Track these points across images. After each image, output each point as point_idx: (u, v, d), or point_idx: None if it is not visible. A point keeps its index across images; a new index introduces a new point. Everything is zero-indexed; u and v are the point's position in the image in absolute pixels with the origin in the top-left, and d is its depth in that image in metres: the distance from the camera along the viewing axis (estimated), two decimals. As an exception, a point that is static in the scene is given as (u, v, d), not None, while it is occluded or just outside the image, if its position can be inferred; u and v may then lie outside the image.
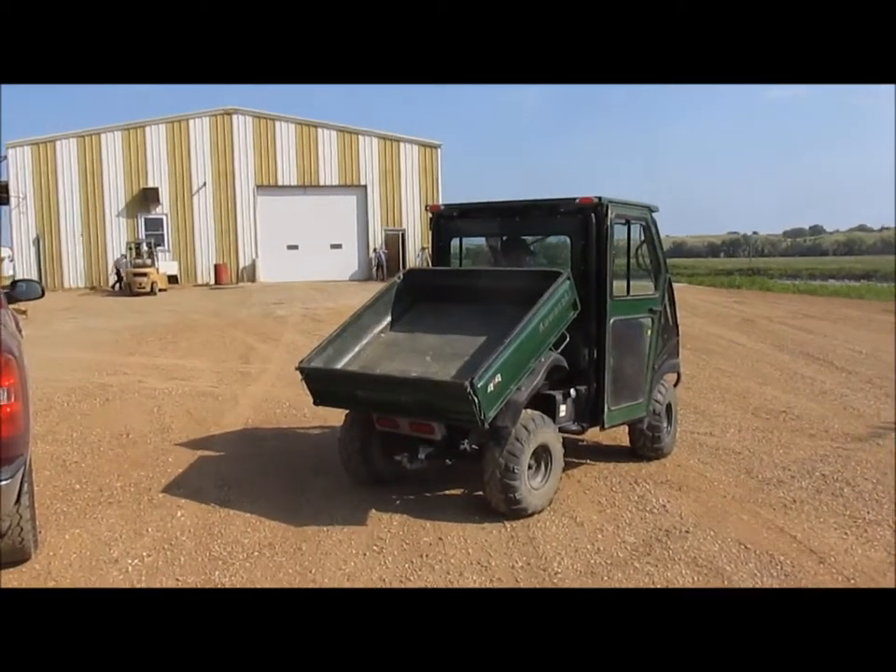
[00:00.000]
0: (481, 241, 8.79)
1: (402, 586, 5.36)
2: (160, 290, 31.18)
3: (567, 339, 6.79)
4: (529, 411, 6.60)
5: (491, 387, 5.99)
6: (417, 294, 7.60)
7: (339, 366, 6.96)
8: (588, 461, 8.10)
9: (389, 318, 7.46)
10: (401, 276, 7.68)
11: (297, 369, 6.80)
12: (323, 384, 6.91)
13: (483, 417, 5.97)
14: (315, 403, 7.09)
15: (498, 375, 6.04)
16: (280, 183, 38.27)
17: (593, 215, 7.03)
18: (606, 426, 7.37)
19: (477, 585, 5.36)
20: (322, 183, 38.58)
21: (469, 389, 5.81)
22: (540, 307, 6.42)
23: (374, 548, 5.96)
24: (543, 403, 6.87)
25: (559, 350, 6.81)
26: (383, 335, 7.35)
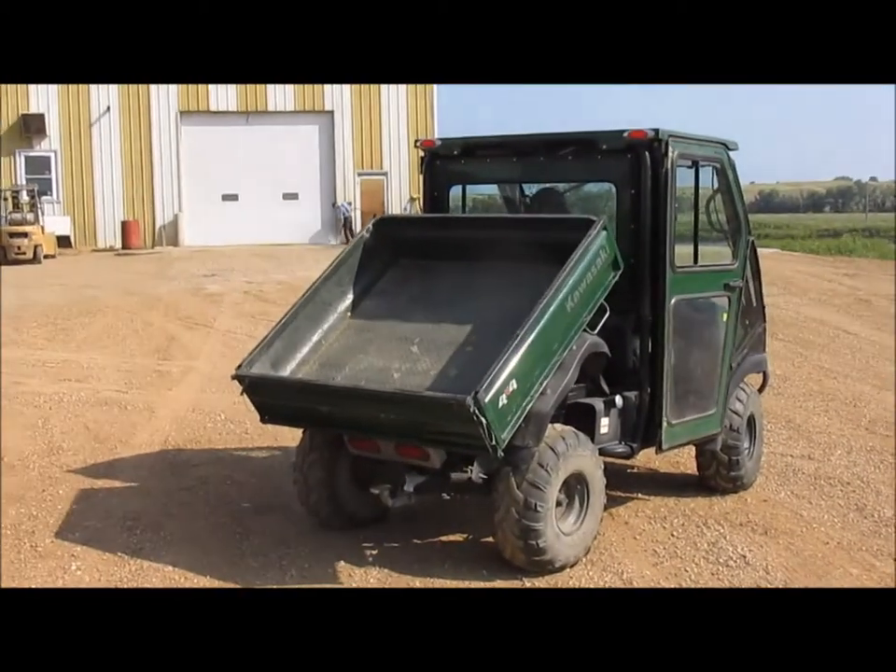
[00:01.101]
0: (492, 189, 8.80)
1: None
2: (46, 257, 31.18)
3: (608, 312, 6.74)
4: (558, 426, 6.62)
5: (503, 400, 5.95)
6: (393, 252, 7.61)
7: (292, 366, 6.98)
8: (639, 495, 8.15)
9: (359, 289, 7.47)
10: (370, 229, 7.64)
11: (234, 377, 6.83)
12: (271, 396, 6.93)
13: (494, 442, 5.96)
14: (263, 420, 7.12)
15: (513, 381, 6.00)
16: (213, 108, 38.21)
17: (647, 154, 7.03)
18: (664, 446, 7.40)
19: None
20: (272, 108, 38.53)
21: (472, 408, 5.76)
22: (566, 277, 6.35)
23: (344, 614, 6.01)
24: (578, 416, 6.90)
25: (596, 330, 6.76)
26: (350, 315, 7.36)
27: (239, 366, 6.78)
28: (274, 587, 6.29)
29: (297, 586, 6.34)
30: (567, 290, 6.35)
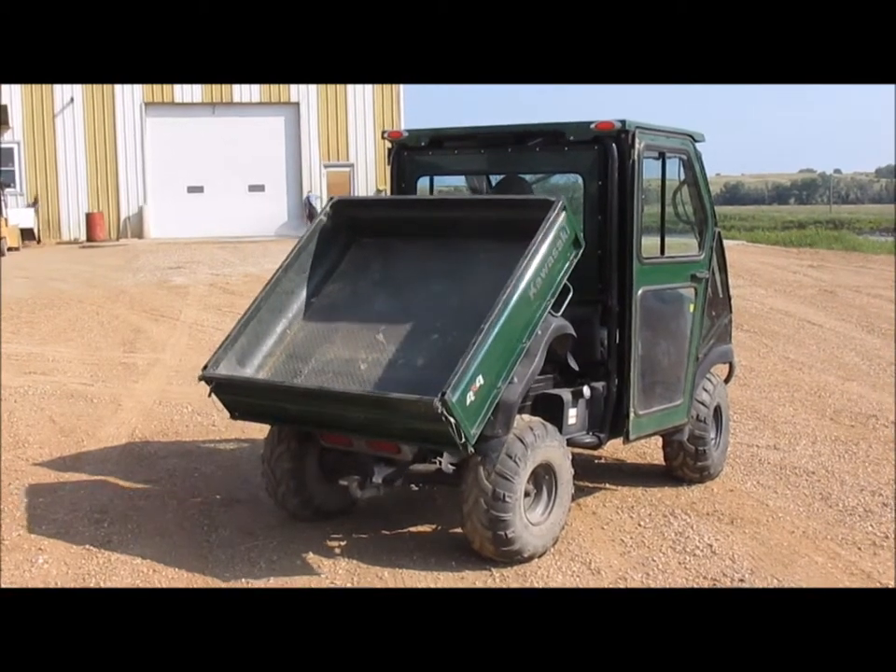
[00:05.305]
0: (460, 181, 8.81)
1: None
2: (10, 249, 30.91)
3: (571, 291, 6.71)
4: (527, 417, 6.65)
5: (471, 397, 5.95)
6: (353, 232, 7.60)
7: (258, 360, 6.98)
8: (607, 485, 8.19)
9: (321, 274, 7.45)
10: (328, 211, 7.58)
11: (200, 378, 6.83)
12: (239, 395, 6.93)
13: (464, 440, 5.98)
14: (234, 417, 7.12)
15: (479, 377, 6.00)
16: (178, 99, 37.98)
17: (614, 145, 7.06)
18: (631, 437, 7.45)
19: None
20: (237, 100, 38.34)
21: (440, 409, 5.77)
22: (527, 264, 6.34)
23: (312, 606, 6.01)
24: (546, 407, 6.94)
25: (561, 311, 6.72)
26: (315, 300, 7.34)
27: (205, 366, 6.77)
28: (242, 586, 6.28)
29: (265, 585, 6.33)
30: (528, 278, 6.34)
